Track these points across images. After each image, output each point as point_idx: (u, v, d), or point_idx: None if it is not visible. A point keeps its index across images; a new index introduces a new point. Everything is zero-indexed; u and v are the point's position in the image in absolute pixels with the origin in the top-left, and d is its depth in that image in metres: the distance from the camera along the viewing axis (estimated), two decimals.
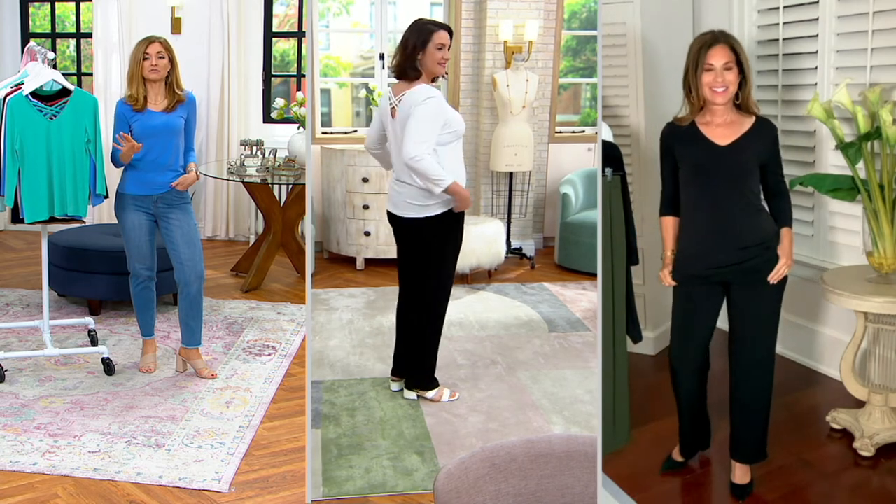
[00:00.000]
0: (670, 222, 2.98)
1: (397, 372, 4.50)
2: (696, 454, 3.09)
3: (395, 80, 4.21)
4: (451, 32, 4.12)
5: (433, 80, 4.16)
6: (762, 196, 2.89)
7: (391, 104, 4.17)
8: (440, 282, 4.29)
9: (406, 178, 4.10)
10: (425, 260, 4.25)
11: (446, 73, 4.35)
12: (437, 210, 4.12)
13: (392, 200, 4.26)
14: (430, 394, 4.36)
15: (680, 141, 2.88)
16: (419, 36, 4.04)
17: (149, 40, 4.44)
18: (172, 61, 4.48)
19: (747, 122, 2.82)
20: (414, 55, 4.05)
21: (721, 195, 2.84)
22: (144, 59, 4.41)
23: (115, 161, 4.49)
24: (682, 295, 2.97)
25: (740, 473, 2.94)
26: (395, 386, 4.50)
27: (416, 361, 4.39)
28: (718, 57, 2.74)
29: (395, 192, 4.21)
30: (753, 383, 2.93)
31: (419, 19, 4.14)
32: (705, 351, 3.01)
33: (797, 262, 3.08)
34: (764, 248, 2.85)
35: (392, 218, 4.30)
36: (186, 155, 4.60)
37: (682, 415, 3.07)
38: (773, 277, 2.83)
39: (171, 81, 4.50)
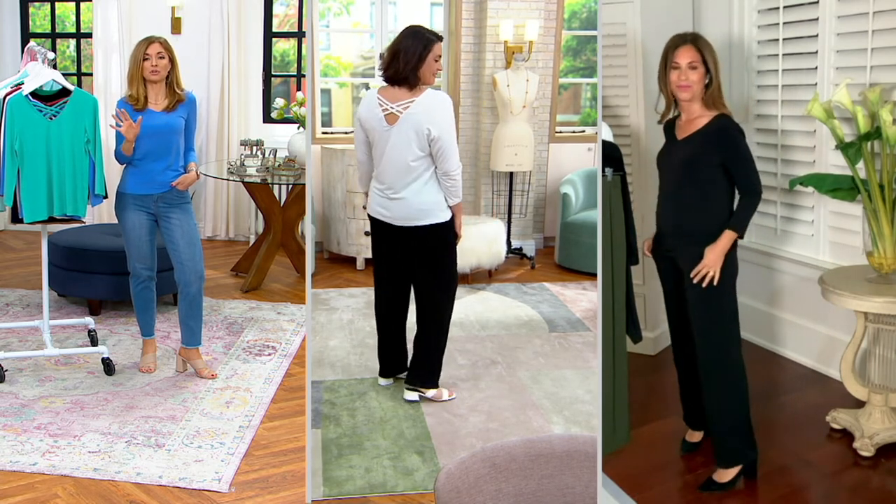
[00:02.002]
0: None
1: (387, 373, 4.56)
2: (702, 428, 3.12)
3: (381, 85, 4.22)
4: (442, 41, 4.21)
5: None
6: (725, 192, 2.95)
7: (389, 110, 4.12)
8: (451, 283, 4.34)
9: (423, 187, 4.12)
10: (435, 263, 4.27)
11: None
12: (449, 214, 4.21)
13: (397, 212, 4.19)
14: (430, 393, 4.36)
15: (664, 133, 3.07)
16: (421, 44, 4.07)
17: (149, 41, 4.44)
18: (172, 61, 4.48)
19: (707, 119, 2.93)
20: (417, 63, 4.06)
21: (674, 184, 2.99)
22: (145, 59, 4.41)
23: (119, 157, 4.47)
24: (657, 269, 3.18)
25: (720, 471, 2.96)
26: (383, 381, 4.56)
27: (420, 359, 4.39)
28: (684, 56, 2.89)
29: (405, 201, 4.15)
30: (712, 381, 2.98)
31: (415, 27, 4.17)
32: (689, 335, 3.08)
33: (797, 262, 3.08)
34: (701, 241, 2.93)
35: (392, 228, 4.23)
36: (186, 155, 4.61)
37: (680, 385, 3.15)
38: (694, 275, 2.92)
39: (171, 81, 4.50)
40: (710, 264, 2.90)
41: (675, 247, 3.01)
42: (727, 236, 2.90)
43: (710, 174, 2.92)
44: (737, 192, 2.94)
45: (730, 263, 2.93)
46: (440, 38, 4.16)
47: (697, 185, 2.94)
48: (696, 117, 2.93)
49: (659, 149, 3.09)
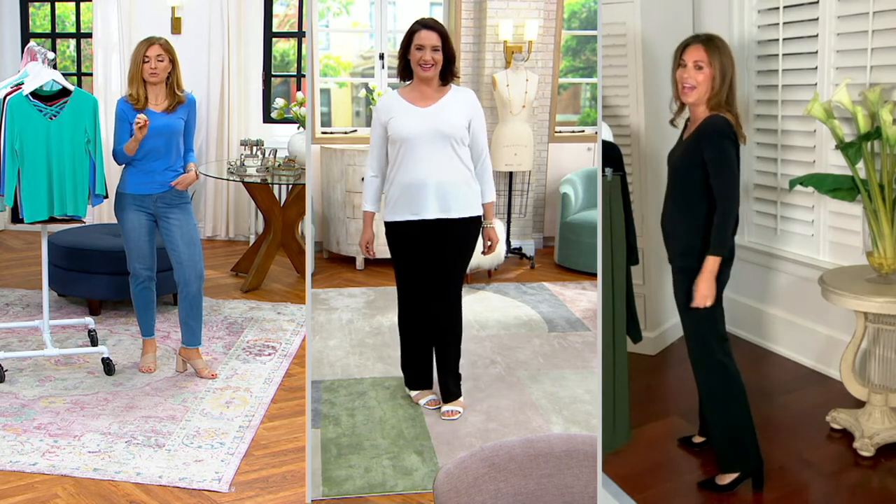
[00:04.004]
0: None
1: (424, 384, 4.39)
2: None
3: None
4: (439, 31, 3.95)
5: (446, 80, 4.04)
6: (706, 200, 2.85)
7: None
8: (398, 289, 4.30)
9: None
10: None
11: (457, 77, 4.09)
12: (389, 216, 4.16)
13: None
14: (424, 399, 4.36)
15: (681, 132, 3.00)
16: (405, 38, 3.99)
17: (149, 42, 4.44)
18: (173, 62, 4.49)
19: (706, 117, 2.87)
20: (403, 57, 4.01)
21: (669, 185, 2.93)
22: (144, 61, 4.42)
23: (119, 156, 4.47)
24: None
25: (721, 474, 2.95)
26: (424, 399, 4.34)
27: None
28: (691, 55, 2.82)
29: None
30: (710, 396, 2.95)
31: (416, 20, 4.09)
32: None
33: (797, 262, 3.08)
34: (688, 252, 2.87)
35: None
36: (186, 155, 4.61)
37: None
38: (693, 306, 2.81)
39: (171, 82, 4.50)
40: (700, 298, 2.79)
41: (669, 250, 2.98)
42: (710, 262, 2.78)
43: (695, 176, 2.83)
44: None
45: (725, 274, 2.85)
46: (428, 26, 3.96)
47: (684, 187, 2.87)
48: (700, 119, 2.88)
49: (660, 148, 3.09)
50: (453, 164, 4.04)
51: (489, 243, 4.16)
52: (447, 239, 4.10)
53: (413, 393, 4.36)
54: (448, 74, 4.01)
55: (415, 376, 4.37)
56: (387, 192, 4.13)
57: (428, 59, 3.94)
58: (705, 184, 2.82)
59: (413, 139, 3.98)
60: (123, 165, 4.55)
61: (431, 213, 4.03)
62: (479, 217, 4.11)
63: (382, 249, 6.69)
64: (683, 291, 2.88)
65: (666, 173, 3.08)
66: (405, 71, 4.03)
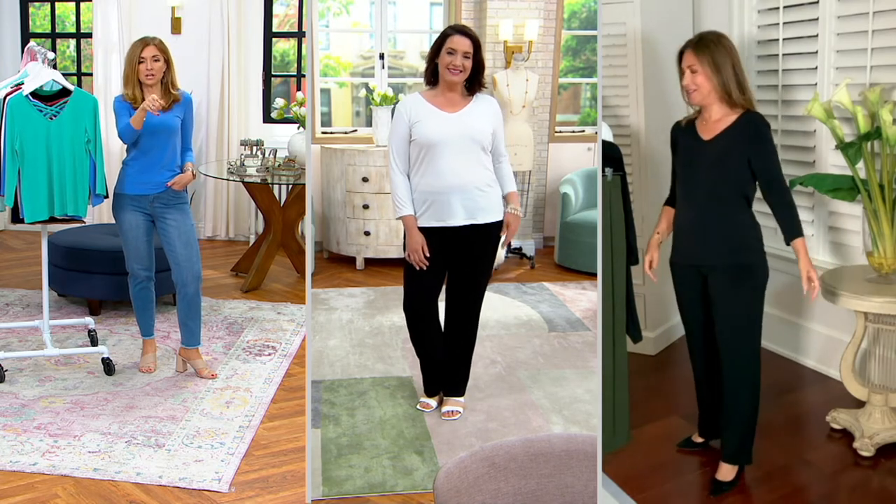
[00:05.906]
0: (665, 211, 3.10)
1: (435, 390, 4.34)
2: (712, 437, 3.11)
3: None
4: (472, 38, 3.89)
5: (472, 89, 3.97)
6: (751, 198, 2.93)
7: None
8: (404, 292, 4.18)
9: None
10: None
11: (484, 85, 4.01)
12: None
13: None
14: (433, 400, 4.35)
15: (680, 134, 3.02)
16: (436, 42, 3.93)
17: (143, 42, 4.43)
18: (168, 62, 4.48)
19: (734, 117, 2.89)
20: (431, 61, 3.94)
21: (701, 189, 2.94)
22: (140, 62, 4.41)
23: (124, 134, 4.40)
24: (673, 278, 3.12)
25: (724, 470, 2.96)
26: (435, 403, 4.31)
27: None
28: (685, 61, 2.89)
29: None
30: (732, 382, 2.96)
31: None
32: (710, 339, 3.05)
33: (797, 262, 3.08)
34: (735, 249, 2.91)
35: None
36: (183, 155, 4.60)
37: (698, 394, 3.13)
38: (811, 292, 2.78)
39: (166, 82, 4.49)
40: (814, 277, 2.79)
41: (713, 255, 2.95)
42: (801, 244, 2.80)
43: (742, 172, 2.88)
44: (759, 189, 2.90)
45: (766, 268, 2.92)
46: (462, 31, 3.90)
47: (730, 183, 2.89)
48: (721, 117, 2.89)
49: (660, 148, 3.09)
50: (478, 170, 3.99)
51: (507, 227, 4.07)
52: (474, 244, 4.05)
53: (425, 400, 4.32)
54: (475, 84, 3.97)
55: (435, 383, 4.32)
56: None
57: (458, 64, 3.87)
58: (747, 180, 2.88)
59: (441, 144, 3.92)
60: (121, 166, 4.54)
61: (458, 219, 3.96)
62: (502, 221, 4.07)
63: (383, 249, 6.72)
64: (746, 285, 2.90)
65: (668, 173, 3.09)
66: (432, 75, 3.98)
